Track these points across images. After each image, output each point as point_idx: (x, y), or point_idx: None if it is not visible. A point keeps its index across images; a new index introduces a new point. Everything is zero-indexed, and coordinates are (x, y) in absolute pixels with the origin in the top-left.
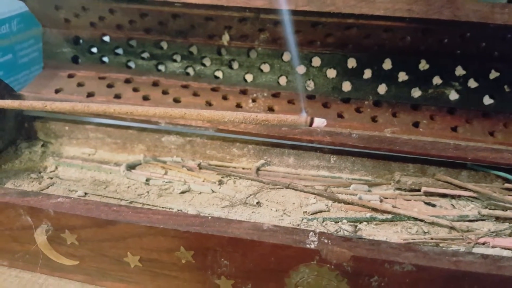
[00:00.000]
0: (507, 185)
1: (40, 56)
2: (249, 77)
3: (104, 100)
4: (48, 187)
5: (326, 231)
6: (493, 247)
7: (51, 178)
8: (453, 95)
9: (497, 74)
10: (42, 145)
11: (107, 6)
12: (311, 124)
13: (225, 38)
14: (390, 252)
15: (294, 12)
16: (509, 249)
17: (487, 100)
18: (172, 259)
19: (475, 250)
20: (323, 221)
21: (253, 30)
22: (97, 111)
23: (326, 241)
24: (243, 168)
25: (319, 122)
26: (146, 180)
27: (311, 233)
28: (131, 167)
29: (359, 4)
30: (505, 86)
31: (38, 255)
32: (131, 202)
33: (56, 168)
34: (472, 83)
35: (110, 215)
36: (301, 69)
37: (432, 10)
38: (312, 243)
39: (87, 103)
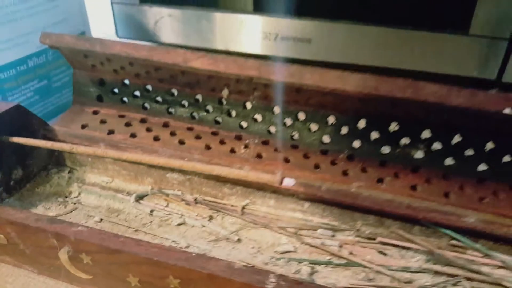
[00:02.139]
0: (452, 241)
1: (70, 80)
2: (244, 124)
3: (122, 138)
4: (71, 211)
5: (285, 272)
6: None
7: (74, 203)
8: (418, 154)
9: (460, 139)
10: (69, 171)
11: (127, 60)
12: (281, 183)
13: (225, 92)
14: None
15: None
16: None
17: (449, 161)
18: (163, 283)
19: None
20: (288, 261)
21: (248, 89)
22: (113, 156)
23: (282, 283)
24: (232, 205)
25: (289, 182)
26: (151, 211)
27: (271, 274)
28: (140, 197)
29: (333, 80)
30: (465, 152)
31: (61, 268)
32: (136, 230)
33: (79, 194)
34: (437, 146)
35: (117, 245)
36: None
37: (396, 90)
38: (271, 283)
39: (105, 149)
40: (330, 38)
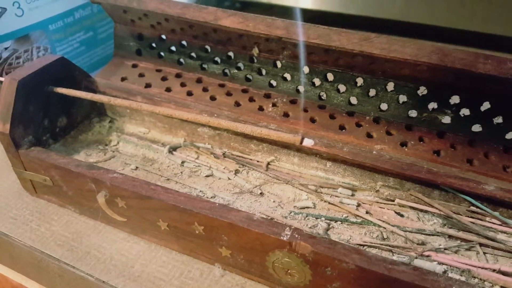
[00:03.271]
0: (471, 208)
1: None
2: (273, 83)
3: (158, 92)
4: (110, 159)
5: (302, 226)
6: (433, 261)
7: (113, 151)
8: (446, 120)
9: (489, 106)
10: (110, 121)
11: (163, 16)
12: (301, 142)
13: (255, 50)
14: (341, 252)
15: (308, 42)
16: (446, 265)
17: (476, 128)
18: (189, 229)
19: (416, 261)
20: (306, 216)
21: (278, 48)
22: (147, 110)
23: (296, 235)
24: (258, 161)
25: (308, 142)
26: (182, 162)
27: (287, 228)
28: (173, 148)
29: (360, 42)
30: (494, 119)
31: (99, 210)
32: (168, 179)
33: (118, 143)
34: (465, 111)
35: (148, 192)
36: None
37: (421, 54)
38: (286, 235)
39: (140, 102)
40: None
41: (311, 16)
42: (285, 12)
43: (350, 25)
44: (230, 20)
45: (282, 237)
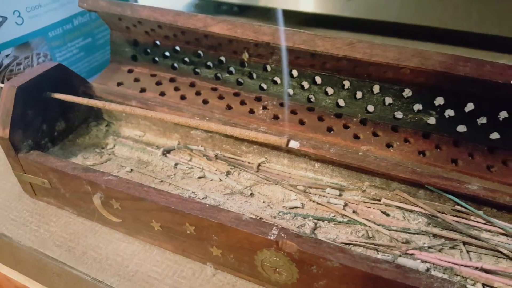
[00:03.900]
0: (456, 207)
1: None
2: (264, 86)
3: (152, 96)
4: (106, 162)
5: (290, 226)
6: (417, 259)
7: (109, 154)
8: (431, 121)
9: (472, 107)
10: (106, 125)
11: (156, 23)
12: (287, 144)
13: (245, 55)
14: (326, 251)
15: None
16: (429, 263)
17: (461, 128)
18: (181, 229)
19: (400, 259)
20: (295, 216)
21: (266, 52)
22: (140, 114)
23: (283, 235)
24: (248, 162)
25: (294, 144)
26: (175, 164)
27: (274, 227)
28: (167, 151)
29: (343, 47)
30: (478, 120)
31: (95, 211)
32: (161, 181)
33: (114, 146)
34: (450, 112)
35: (141, 193)
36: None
37: (403, 58)
38: (273, 235)
39: (134, 107)
40: None
41: (307, 19)
42: (282, 15)
43: (347, 27)
44: (219, 26)
45: (269, 237)
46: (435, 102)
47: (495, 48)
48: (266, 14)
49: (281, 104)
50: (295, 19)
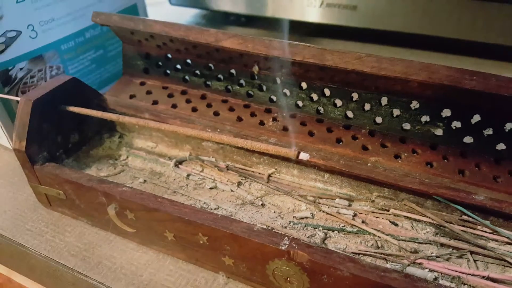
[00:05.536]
0: (463, 217)
1: None
2: (273, 98)
3: (164, 108)
4: (120, 173)
5: (301, 236)
6: (425, 268)
7: (123, 165)
8: (438, 132)
9: (479, 119)
10: (119, 137)
11: (168, 38)
12: (297, 156)
13: (255, 68)
14: (336, 261)
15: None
16: (437, 272)
17: (468, 140)
18: (194, 239)
19: (408, 268)
20: (305, 226)
21: (276, 65)
22: (153, 127)
23: (294, 245)
24: (259, 173)
25: (304, 156)
26: (187, 175)
27: (286, 237)
28: (179, 162)
29: (352, 61)
30: (484, 131)
31: (110, 222)
32: (174, 192)
33: (127, 157)
34: (456, 124)
35: (155, 204)
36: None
37: (410, 72)
38: (284, 245)
39: (147, 119)
40: (376, 4)
41: (314, 29)
42: (290, 26)
43: (354, 38)
44: (230, 41)
45: (280, 247)
46: (442, 114)
47: (500, 58)
48: (274, 25)
49: (291, 116)
50: (302, 29)
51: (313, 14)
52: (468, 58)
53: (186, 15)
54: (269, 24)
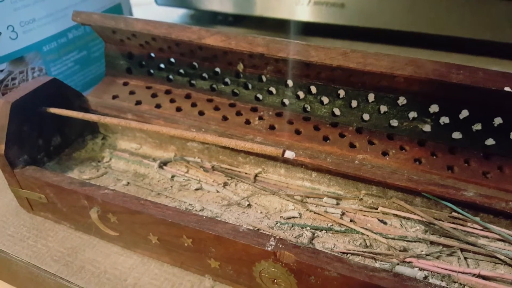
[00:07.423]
0: (453, 213)
1: None
2: (260, 96)
3: (148, 108)
4: (102, 175)
5: (288, 236)
6: (414, 267)
7: (106, 168)
8: (426, 128)
9: (467, 114)
10: (102, 138)
11: (150, 36)
12: (283, 155)
13: (240, 66)
14: (323, 261)
15: (288, 57)
16: (427, 270)
17: (456, 135)
18: (178, 241)
19: (398, 267)
20: (292, 226)
21: (261, 63)
22: (136, 127)
23: (280, 246)
24: (245, 173)
25: (289, 154)
26: (172, 176)
27: (272, 238)
28: (163, 163)
29: (337, 57)
30: (473, 126)
31: (92, 225)
32: (158, 194)
33: (110, 159)
34: (444, 119)
35: (138, 207)
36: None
37: (396, 67)
38: (270, 246)
39: (129, 120)
40: (364, 2)
41: (303, 28)
42: (278, 25)
43: (342, 36)
44: (213, 38)
45: (267, 248)
46: (429, 109)
47: (489, 54)
48: (262, 24)
49: (277, 114)
50: (291, 28)
51: (301, 12)
52: (457, 54)
53: (173, 15)
54: (257, 24)
